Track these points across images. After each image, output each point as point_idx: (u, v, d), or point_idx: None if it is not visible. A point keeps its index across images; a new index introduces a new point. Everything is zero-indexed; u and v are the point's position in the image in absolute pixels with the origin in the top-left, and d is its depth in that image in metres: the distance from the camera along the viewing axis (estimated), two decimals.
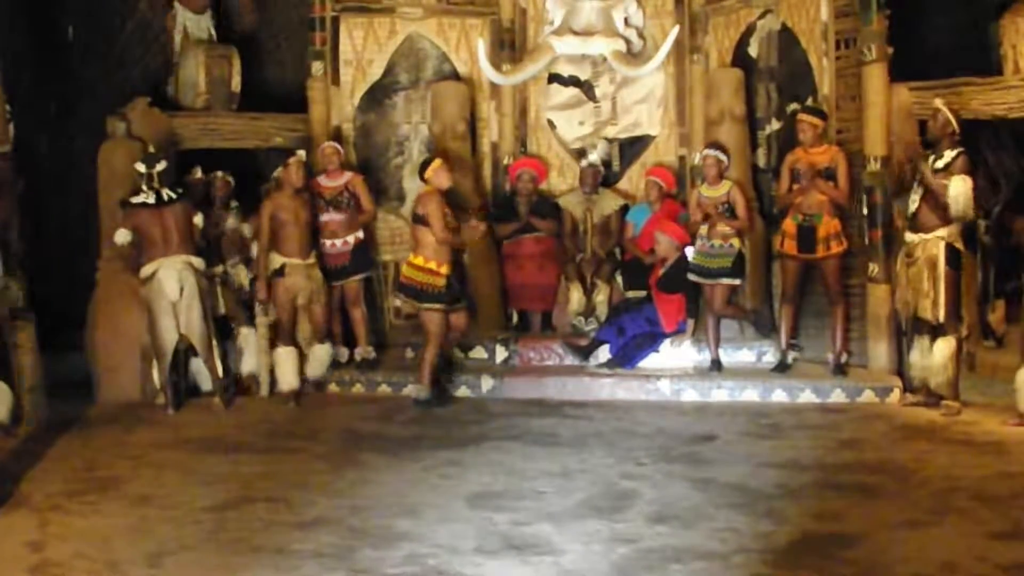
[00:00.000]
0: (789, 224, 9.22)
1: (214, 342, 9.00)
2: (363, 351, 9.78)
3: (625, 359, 9.59)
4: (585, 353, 9.79)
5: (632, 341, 9.65)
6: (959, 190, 8.14)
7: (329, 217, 9.67)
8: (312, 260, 9.32)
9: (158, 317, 8.77)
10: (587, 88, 11.02)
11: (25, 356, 8.24)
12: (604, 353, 9.72)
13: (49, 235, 9.75)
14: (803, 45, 10.00)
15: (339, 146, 10.05)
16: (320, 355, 9.43)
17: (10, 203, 8.37)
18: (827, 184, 9.04)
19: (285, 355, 9.13)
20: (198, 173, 9.83)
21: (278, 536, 5.59)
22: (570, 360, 9.84)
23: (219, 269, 9.61)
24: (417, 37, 10.89)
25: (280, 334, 9.19)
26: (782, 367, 9.32)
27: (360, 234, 9.81)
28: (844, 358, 9.16)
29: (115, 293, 9.23)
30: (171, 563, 5.23)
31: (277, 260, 9.13)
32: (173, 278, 8.72)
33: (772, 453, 7.20)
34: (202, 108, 10.56)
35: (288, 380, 9.12)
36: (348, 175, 9.86)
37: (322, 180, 9.79)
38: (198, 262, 8.93)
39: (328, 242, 9.66)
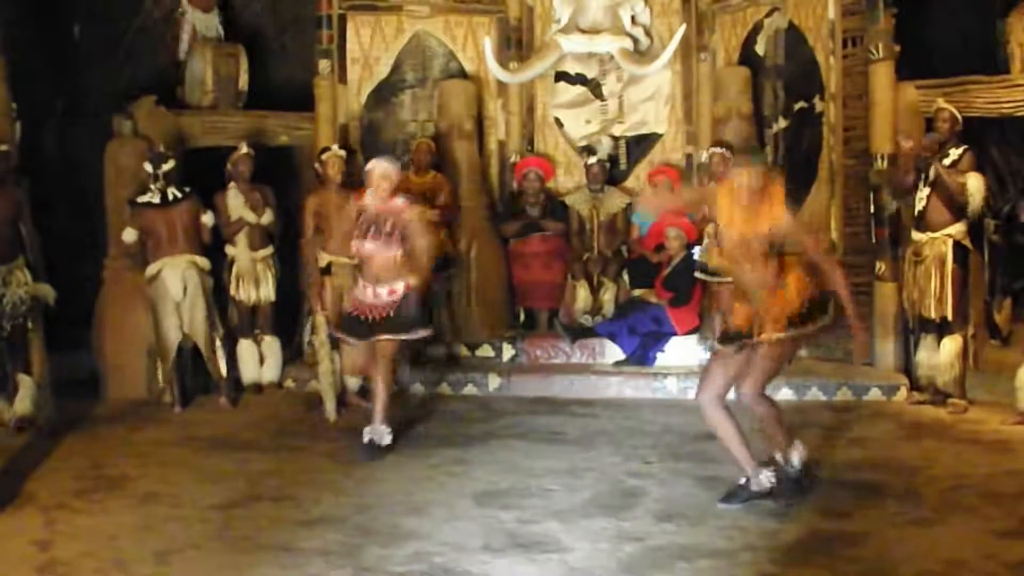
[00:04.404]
0: None
1: (218, 341, 9.01)
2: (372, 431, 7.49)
3: (644, 357, 9.62)
4: (574, 335, 9.87)
5: (643, 339, 9.67)
6: (976, 187, 8.14)
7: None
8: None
9: (162, 316, 8.77)
10: (594, 86, 11.04)
11: (33, 354, 8.28)
12: (617, 352, 9.75)
13: (55, 233, 9.74)
14: (810, 43, 10.01)
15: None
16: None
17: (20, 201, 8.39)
18: None
19: (348, 352, 8.69)
20: (244, 148, 9.48)
21: (285, 534, 5.60)
22: (572, 353, 9.90)
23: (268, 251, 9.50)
24: (424, 35, 10.90)
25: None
26: None
27: (413, 280, 7.60)
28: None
29: (122, 291, 9.24)
30: (178, 561, 5.24)
31: (322, 258, 8.80)
32: (176, 277, 8.73)
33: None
34: (209, 106, 10.57)
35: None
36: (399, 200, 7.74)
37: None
38: (203, 262, 8.91)
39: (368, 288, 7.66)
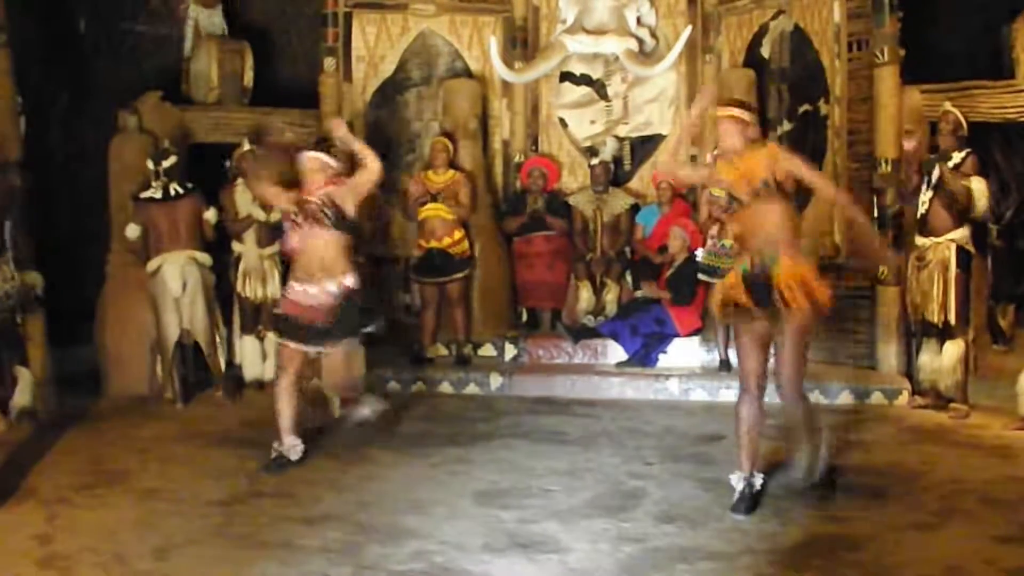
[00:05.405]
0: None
1: (218, 338, 9.01)
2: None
3: (646, 358, 9.63)
4: (577, 335, 9.91)
5: (645, 340, 9.67)
6: (980, 190, 8.13)
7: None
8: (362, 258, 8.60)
9: (162, 312, 8.78)
10: (599, 87, 11.04)
11: (34, 349, 8.29)
12: (620, 352, 9.76)
13: (59, 228, 9.77)
14: (815, 46, 10.00)
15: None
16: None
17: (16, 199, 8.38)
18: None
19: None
20: (246, 145, 9.42)
21: (285, 531, 5.60)
22: (574, 353, 9.94)
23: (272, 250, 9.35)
24: (429, 34, 10.92)
25: None
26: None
27: (349, 280, 6.93)
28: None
29: (124, 286, 9.25)
30: (178, 557, 5.24)
31: None
32: (176, 273, 8.73)
33: (778, 454, 7.18)
34: (214, 103, 10.57)
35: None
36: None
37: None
38: (203, 257, 8.91)
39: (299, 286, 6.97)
